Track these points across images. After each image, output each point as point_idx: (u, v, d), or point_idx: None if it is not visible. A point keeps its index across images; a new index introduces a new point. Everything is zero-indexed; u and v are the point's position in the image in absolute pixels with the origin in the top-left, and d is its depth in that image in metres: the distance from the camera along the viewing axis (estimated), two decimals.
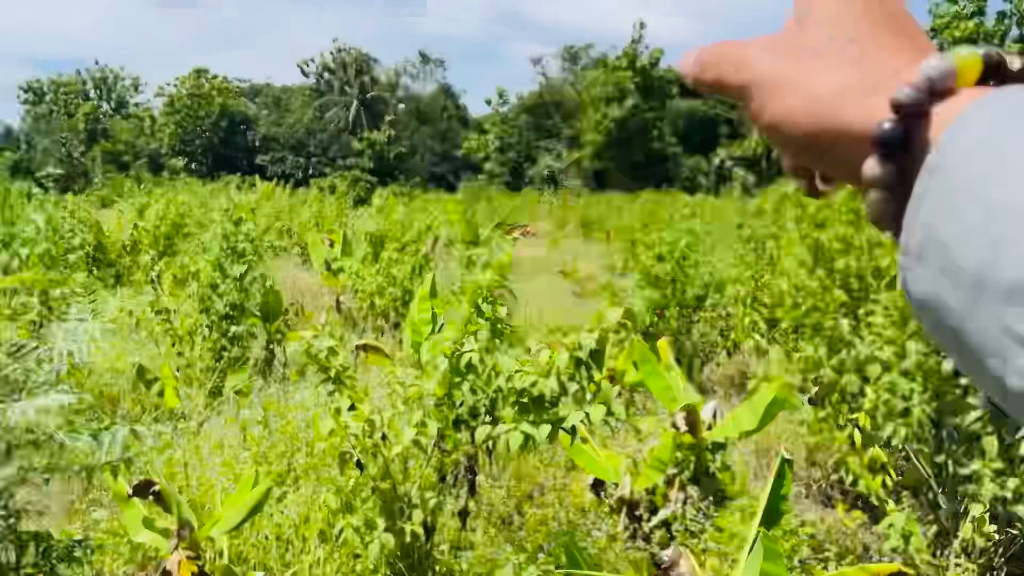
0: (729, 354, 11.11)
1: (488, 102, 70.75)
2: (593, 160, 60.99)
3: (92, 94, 77.10)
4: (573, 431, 4.33)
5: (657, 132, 60.47)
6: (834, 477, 7.05)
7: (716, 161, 59.88)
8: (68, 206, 17.47)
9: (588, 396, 4.42)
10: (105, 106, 75.79)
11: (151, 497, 5.30)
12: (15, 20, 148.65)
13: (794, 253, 7.70)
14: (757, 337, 7.76)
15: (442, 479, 5.37)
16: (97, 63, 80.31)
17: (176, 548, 4.87)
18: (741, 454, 7.84)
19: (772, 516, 4.72)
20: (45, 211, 14.52)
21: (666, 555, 4.89)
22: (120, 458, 3.59)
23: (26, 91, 75.27)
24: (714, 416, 6.79)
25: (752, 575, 3.87)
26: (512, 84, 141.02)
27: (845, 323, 6.72)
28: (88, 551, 3.71)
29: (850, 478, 6.43)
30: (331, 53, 73.29)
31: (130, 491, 5.30)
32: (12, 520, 3.50)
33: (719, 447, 6.49)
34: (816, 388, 7.11)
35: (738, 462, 7.41)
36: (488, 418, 4.86)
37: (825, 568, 5.53)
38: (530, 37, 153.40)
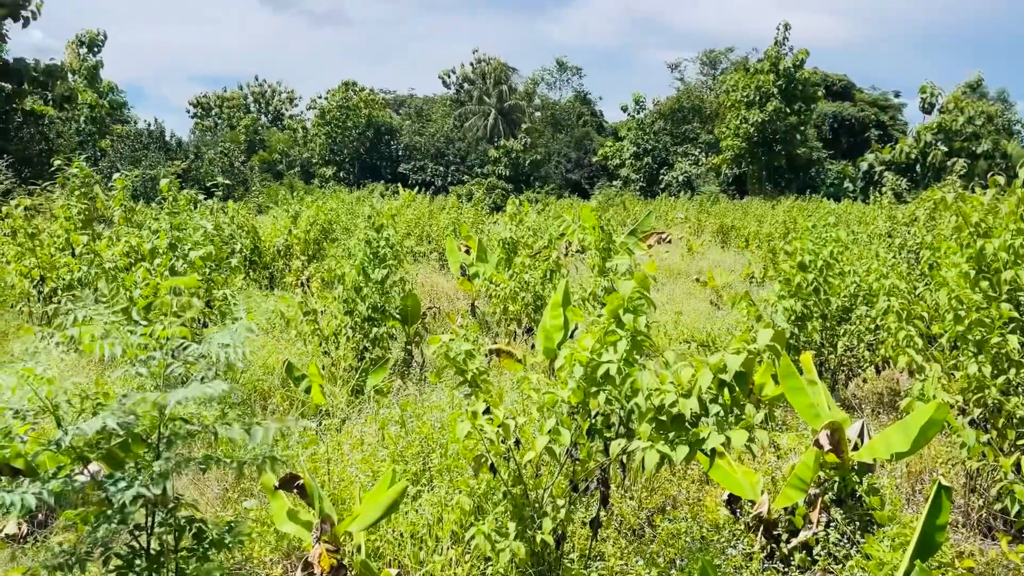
0: (878, 370, 10.45)
1: (624, 108, 70.23)
2: (732, 166, 59.22)
3: (252, 107, 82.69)
4: (713, 454, 4.19)
5: (801, 136, 57.96)
6: (997, 507, 6.47)
7: (864, 166, 56.64)
8: (229, 212, 18.79)
9: (730, 417, 4.26)
10: (263, 119, 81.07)
11: (296, 490, 5.60)
12: (184, 40, 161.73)
13: (954, 263, 7.14)
14: (912, 352, 7.24)
15: (574, 488, 5.35)
16: (257, 79, 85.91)
17: (318, 541, 5.11)
18: (891, 477, 7.35)
19: (927, 546, 4.39)
20: (212, 217, 15.69)
21: None
22: (267, 453, 3.79)
23: (195, 106, 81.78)
24: (861, 435, 6.40)
25: None
26: (649, 90, 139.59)
27: (1013, 340, 6.17)
28: (238, 539, 3.94)
29: (1015, 508, 5.89)
30: (471, 64, 75.13)
31: (277, 484, 5.62)
32: (170, 507, 3.78)
33: (867, 468, 6.11)
34: (979, 410, 6.56)
35: (887, 486, 6.95)
36: (623, 430, 4.79)
37: None
38: (667, 43, 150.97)
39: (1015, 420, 6.30)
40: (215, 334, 3.75)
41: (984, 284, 6.65)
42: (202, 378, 3.69)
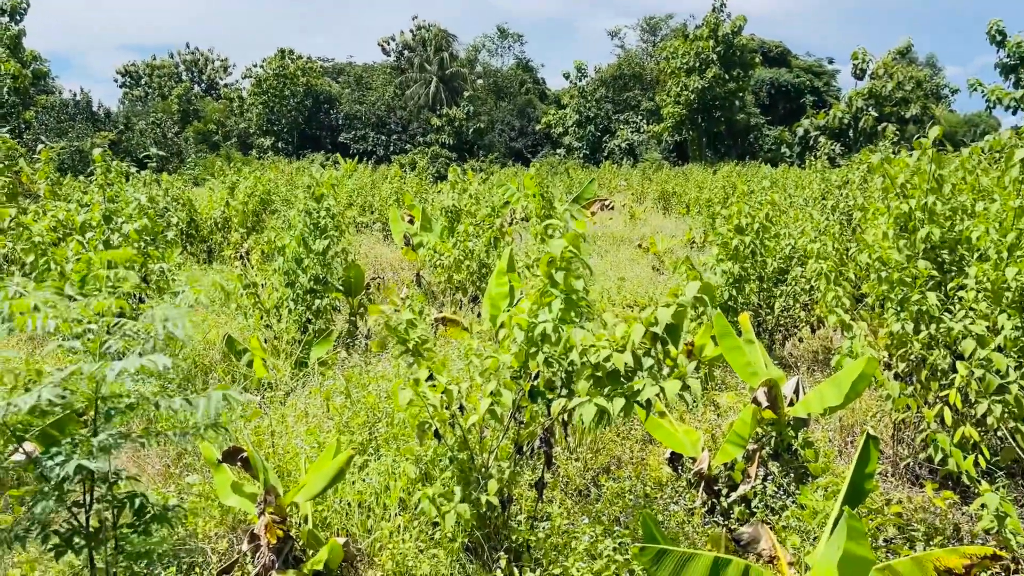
0: (813, 329, 10.80)
1: (566, 76, 70.10)
2: (673, 133, 59.78)
3: (184, 76, 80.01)
4: (648, 405, 4.29)
5: (739, 103, 58.76)
6: (922, 456, 6.80)
7: (800, 131, 57.80)
8: (164, 185, 18.26)
9: (664, 371, 4.37)
10: (196, 88, 78.53)
11: (239, 463, 5.55)
12: (111, 7, 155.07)
13: (877, 224, 7.40)
14: (840, 312, 7.50)
15: (519, 451, 5.43)
16: (188, 46, 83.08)
17: (263, 513, 5.09)
18: (825, 431, 7.64)
19: (857, 494, 4.59)
20: (146, 189, 15.20)
21: (746, 531, 4.83)
22: (211, 423, 3.75)
23: (123, 75, 78.71)
24: (796, 392, 6.64)
25: (835, 554, 3.79)
26: (591, 57, 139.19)
27: (932, 297, 6.44)
28: (181, 513, 3.90)
29: (939, 457, 6.20)
30: (411, 31, 73.89)
31: (220, 457, 5.56)
32: (110, 482, 3.72)
33: (802, 423, 6.35)
34: (903, 364, 6.85)
35: (821, 439, 7.23)
36: (564, 391, 4.87)
37: (912, 548, 5.36)
38: (608, 10, 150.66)
39: (937, 373, 6.60)
40: (157, 308, 3.68)
41: (902, 243, 6.90)
42: (140, 352, 3.62)
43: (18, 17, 57.90)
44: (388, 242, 20.28)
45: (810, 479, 6.11)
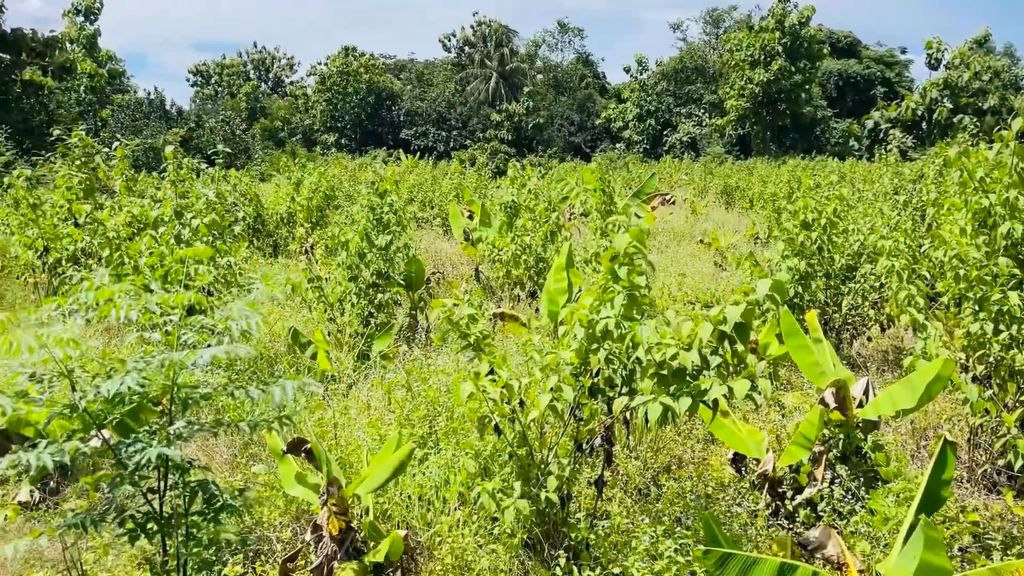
0: (882, 328, 10.46)
1: (627, 70, 69.47)
2: (736, 126, 58.69)
3: (252, 75, 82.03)
4: (715, 405, 4.20)
5: (805, 95, 57.32)
6: (1000, 462, 6.51)
7: (870, 124, 56.09)
8: (232, 180, 18.74)
9: (732, 370, 4.27)
10: (263, 86, 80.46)
11: (303, 454, 5.65)
12: (184, 7, 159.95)
13: (955, 220, 7.10)
14: (913, 312, 7.24)
15: (579, 448, 5.39)
16: (256, 45, 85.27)
17: (326, 504, 5.17)
18: (896, 434, 7.40)
19: (932, 501, 4.42)
20: (214, 185, 15.62)
21: (813, 535, 4.71)
22: (280, 416, 3.82)
23: (195, 74, 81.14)
24: (866, 393, 6.43)
25: (911, 563, 3.65)
26: (652, 51, 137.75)
27: (1014, 296, 6.15)
28: (248, 502, 3.99)
29: (1020, 463, 5.93)
30: (471, 27, 74.26)
31: (285, 448, 5.67)
32: (182, 471, 3.82)
33: (871, 426, 6.15)
34: (981, 366, 6.57)
35: (892, 443, 7.00)
36: (625, 389, 4.82)
37: (989, 559, 5.14)
38: (670, 3, 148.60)
39: (1017, 376, 6.31)
40: (232, 303, 3.77)
41: (981, 239, 6.62)
42: (217, 344, 3.70)
43: (93, 17, 60.21)
44: (448, 237, 20.42)
45: (880, 484, 5.92)
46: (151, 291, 3.91)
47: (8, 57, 39.85)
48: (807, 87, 56.80)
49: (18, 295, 13.21)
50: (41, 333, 3.36)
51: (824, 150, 54.18)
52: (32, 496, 6.39)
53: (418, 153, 41.65)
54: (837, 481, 5.99)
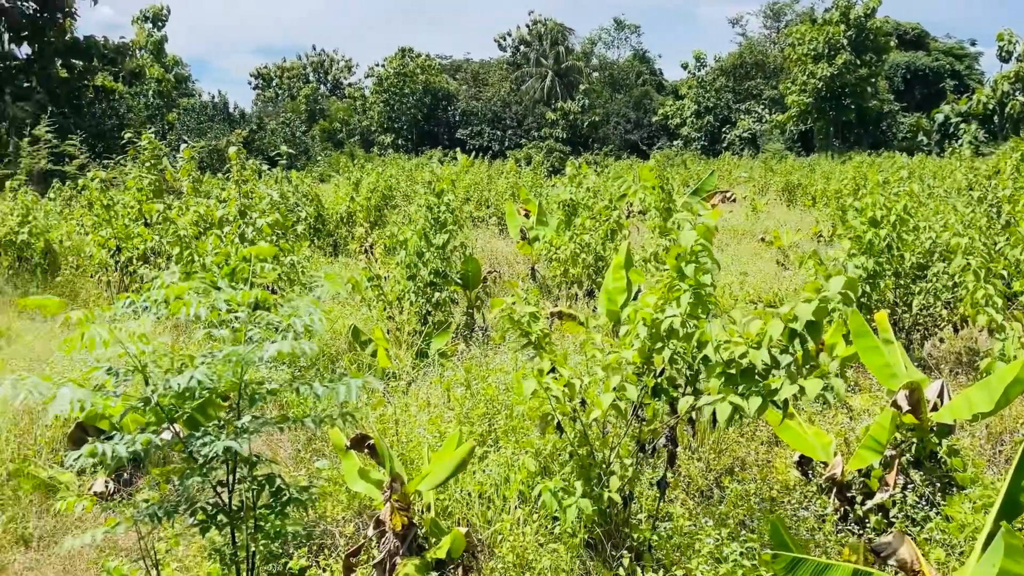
0: (956, 329, 10.08)
1: (684, 66, 68.57)
2: (798, 122, 57.39)
3: (311, 77, 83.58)
4: (785, 405, 4.09)
5: (871, 89, 55.69)
6: None
7: (940, 118, 54.21)
8: (293, 181, 19.11)
9: (801, 370, 4.15)
10: (322, 88, 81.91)
11: (366, 450, 5.71)
12: (245, 12, 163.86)
13: None
14: (991, 312, 6.94)
15: (641, 448, 5.32)
16: (315, 48, 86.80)
17: (388, 500, 5.21)
18: (973, 439, 7.11)
19: (1012, 508, 4.22)
20: (277, 186, 15.95)
21: (886, 541, 4.55)
22: (342, 411, 3.87)
23: (256, 77, 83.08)
24: (940, 396, 6.20)
25: (988, 571, 3.50)
26: (710, 46, 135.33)
27: None
28: (313, 497, 4.04)
29: None
30: (527, 25, 74.24)
31: (348, 443, 5.74)
32: (250, 464, 3.89)
33: (947, 430, 5.92)
34: None
35: (968, 447, 6.74)
36: (690, 389, 4.73)
37: None
38: None
39: None
40: (297, 300, 3.83)
41: None
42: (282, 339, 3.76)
43: (160, 23, 62.17)
44: (503, 236, 20.44)
45: (956, 490, 5.70)
46: (219, 288, 3.99)
47: (81, 63, 41.39)
48: (873, 81, 55.19)
49: (91, 293, 13.68)
50: (115, 328, 3.45)
51: (891, 145, 52.55)
52: (107, 487, 6.61)
53: (473, 152, 41.81)
54: (910, 486, 5.79)
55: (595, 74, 73.86)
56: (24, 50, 39.98)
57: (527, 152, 55.07)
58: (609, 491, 4.99)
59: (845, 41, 52.96)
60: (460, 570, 5.28)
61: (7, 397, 3.24)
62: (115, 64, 43.33)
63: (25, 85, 39.41)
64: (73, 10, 40.19)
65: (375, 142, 66.91)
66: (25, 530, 6.07)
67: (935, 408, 6.03)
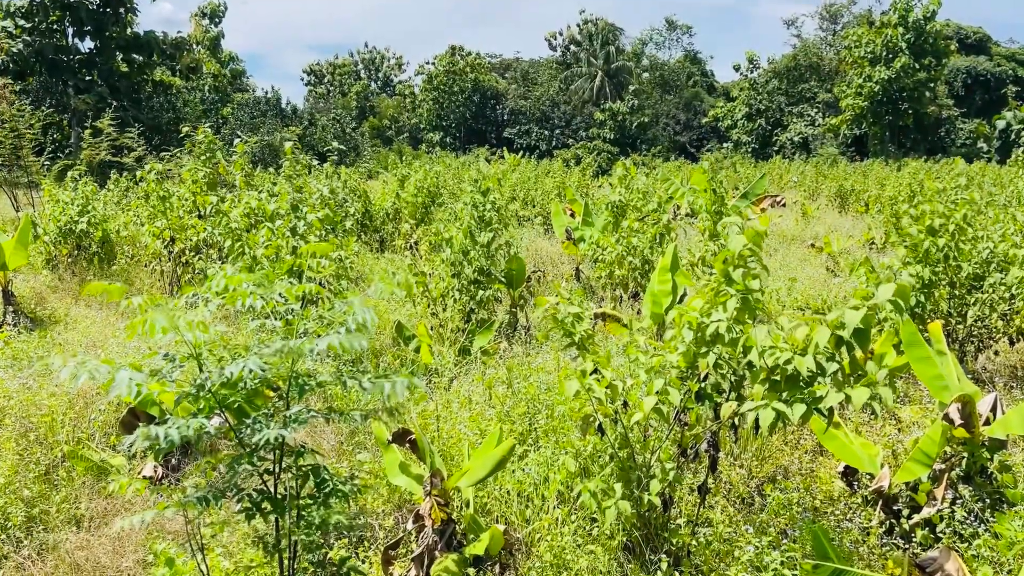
0: (1012, 342, 9.79)
1: (736, 68, 67.73)
2: (852, 126, 56.22)
3: (362, 74, 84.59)
4: (830, 413, 4.03)
5: (930, 93, 54.28)
6: None
7: (1001, 124, 52.61)
8: (343, 177, 19.36)
9: (847, 379, 4.08)
10: (373, 85, 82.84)
11: (408, 445, 5.78)
12: (299, 8, 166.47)
13: None
14: None
15: (682, 453, 5.29)
16: (367, 45, 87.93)
17: (428, 495, 5.26)
18: None
19: None
20: (327, 181, 16.19)
21: (932, 556, 4.45)
22: (389, 406, 3.93)
23: (309, 74, 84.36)
24: (993, 410, 6.03)
25: None
26: (763, 48, 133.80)
27: None
28: (355, 489, 4.11)
29: None
30: (577, 25, 74.06)
31: (390, 438, 5.81)
32: (296, 454, 3.97)
33: (999, 445, 5.77)
34: None
35: (1020, 463, 6.54)
36: (734, 394, 4.68)
37: None
38: None
39: None
40: (352, 297, 3.90)
41: None
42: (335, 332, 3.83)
43: (217, 19, 63.55)
44: (549, 236, 20.43)
45: (1006, 506, 5.54)
46: (276, 282, 4.09)
47: (141, 58, 42.55)
48: (932, 85, 53.80)
49: (145, 282, 14.06)
50: (173, 315, 3.56)
51: (948, 152, 51.24)
52: (156, 472, 6.79)
53: (521, 151, 41.86)
54: (959, 501, 5.65)
55: (645, 75, 73.33)
56: (87, 44, 41.28)
57: (575, 152, 54.94)
58: (649, 494, 4.97)
59: (904, 44, 51.73)
60: (497, 567, 5.32)
61: (71, 377, 3.36)
62: (173, 59, 44.46)
63: (87, 78, 40.69)
64: (134, 6, 41.34)
65: (423, 139, 67.44)
66: (77, 510, 6.28)
67: (987, 422, 5.87)
